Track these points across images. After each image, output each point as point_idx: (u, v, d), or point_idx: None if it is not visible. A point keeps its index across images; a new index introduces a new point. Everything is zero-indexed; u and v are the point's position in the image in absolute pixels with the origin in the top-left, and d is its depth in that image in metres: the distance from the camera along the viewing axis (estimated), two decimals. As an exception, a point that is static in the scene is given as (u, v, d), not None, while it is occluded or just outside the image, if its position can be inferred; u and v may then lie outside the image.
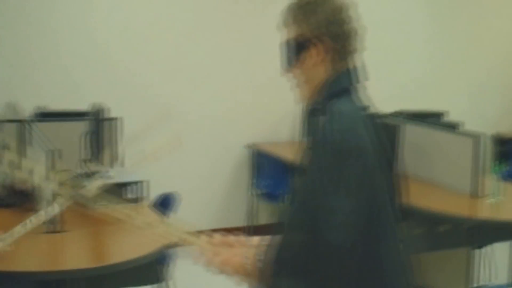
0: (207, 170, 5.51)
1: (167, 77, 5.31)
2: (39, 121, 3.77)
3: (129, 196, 3.42)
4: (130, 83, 5.10)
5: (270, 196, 5.19)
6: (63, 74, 4.92)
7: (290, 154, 5.27)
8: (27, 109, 4.12)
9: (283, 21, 1.74)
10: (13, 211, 3.20)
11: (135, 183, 3.42)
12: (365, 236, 1.54)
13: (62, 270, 2.74)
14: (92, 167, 3.47)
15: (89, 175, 3.44)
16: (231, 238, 1.81)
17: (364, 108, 1.68)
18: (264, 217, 5.70)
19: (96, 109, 3.54)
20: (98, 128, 3.39)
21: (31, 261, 2.79)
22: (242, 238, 1.81)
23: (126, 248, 2.97)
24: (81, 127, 3.54)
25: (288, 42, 1.71)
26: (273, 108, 5.68)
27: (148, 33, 5.23)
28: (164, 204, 3.49)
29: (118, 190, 3.38)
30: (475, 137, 3.87)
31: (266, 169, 5.18)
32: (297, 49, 1.69)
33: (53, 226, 2.94)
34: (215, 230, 5.70)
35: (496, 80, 6.75)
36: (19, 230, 1.82)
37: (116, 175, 3.50)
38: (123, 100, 4.83)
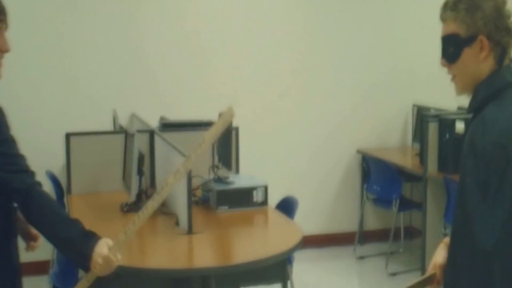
0: (317, 174, 5.63)
1: (281, 84, 5.49)
2: (167, 131, 4.02)
3: (255, 200, 3.60)
4: (247, 93, 5.32)
5: (381, 201, 5.23)
6: (180, 85, 5.22)
7: (400, 159, 5.32)
8: (150, 119, 4.41)
9: (443, 15, 1.74)
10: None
11: (256, 188, 3.59)
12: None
13: (195, 268, 2.90)
14: (220, 173, 3.68)
15: (218, 181, 3.66)
16: None
17: None
18: (373, 223, 5.75)
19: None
20: (226, 136, 3.59)
21: (165, 259, 2.98)
22: None
23: (254, 248, 3.13)
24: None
25: (450, 37, 1.72)
26: (383, 113, 5.75)
27: (264, 44, 5.42)
28: (286, 207, 3.64)
29: (246, 194, 3.57)
30: None
31: (376, 175, 5.23)
32: (461, 44, 1.69)
33: (184, 228, 3.14)
34: (325, 235, 5.81)
35: None
36: (137, 221, 1.97)
37: (237, 181, 3.70)
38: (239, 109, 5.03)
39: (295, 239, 3.03)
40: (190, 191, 3.12)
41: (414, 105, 5.67)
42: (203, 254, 3.09)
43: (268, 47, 5.42)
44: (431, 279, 1.88)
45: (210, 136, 1.94)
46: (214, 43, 5.28)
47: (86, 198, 3.92)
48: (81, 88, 5.00)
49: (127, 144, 3.73)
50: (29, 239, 2.24)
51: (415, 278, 1.95)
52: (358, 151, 5.64)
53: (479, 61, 1.70)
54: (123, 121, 4.65)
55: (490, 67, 1.70)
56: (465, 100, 1.82)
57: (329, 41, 5.58)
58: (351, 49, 5.63)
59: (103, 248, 1.93)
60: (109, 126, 4.66)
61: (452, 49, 1.72)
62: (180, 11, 5.19)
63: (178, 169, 1.96)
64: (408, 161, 5.29)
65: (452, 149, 4.47)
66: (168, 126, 4.21)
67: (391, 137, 5.79)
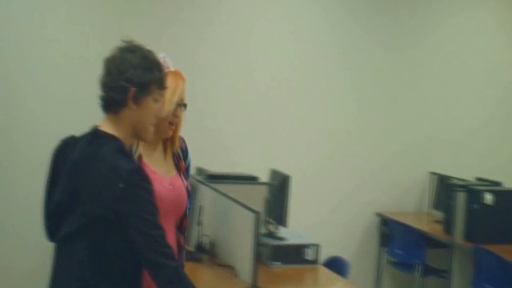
0: (336, 235, 5.71)
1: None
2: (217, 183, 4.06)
3: (306, 257, 3.67)
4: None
5: (402, 266, 5.32)
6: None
7: (421, 225, 5.44)
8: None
9: None
10: (202, 264, 3.50)
11: (309, 245, 3.67)
12: None
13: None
14: (271, 228, 3.76)
15: (269, 236, 3.73)
16: None
17: None
18: (390, 286, 5.82)
19: (277, 175, 3.85)
20: (281, 188, 3.69)
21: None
22: None
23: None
24: (260, 191, 3.84)
25: None
26: (401, 179, 5.91)
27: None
28: (333, 267, 3.71)
29: (299, 251, 3.65)
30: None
31: (399, 238, 5.33)
32: None
33: (247, 281, 3.19)
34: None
35: None
36: None
37: (289, 237, 3.77)
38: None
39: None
40: (257, 243, 3.16)
41: (431, 173, 5.85)
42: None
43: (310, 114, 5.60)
44: None
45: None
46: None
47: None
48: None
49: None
50: None
51: None
52: (377, 214, 5.76)
53: None
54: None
55: None
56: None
57: (355, 110, 5.78)
58: (374, 117, 5.84)
59: None
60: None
61: None
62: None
63: None
64: (428, 227, 5.41)
65: (480, 219, 4.65)
66: (213, 178, 4.25)
67: (408, 203, 5.94)
